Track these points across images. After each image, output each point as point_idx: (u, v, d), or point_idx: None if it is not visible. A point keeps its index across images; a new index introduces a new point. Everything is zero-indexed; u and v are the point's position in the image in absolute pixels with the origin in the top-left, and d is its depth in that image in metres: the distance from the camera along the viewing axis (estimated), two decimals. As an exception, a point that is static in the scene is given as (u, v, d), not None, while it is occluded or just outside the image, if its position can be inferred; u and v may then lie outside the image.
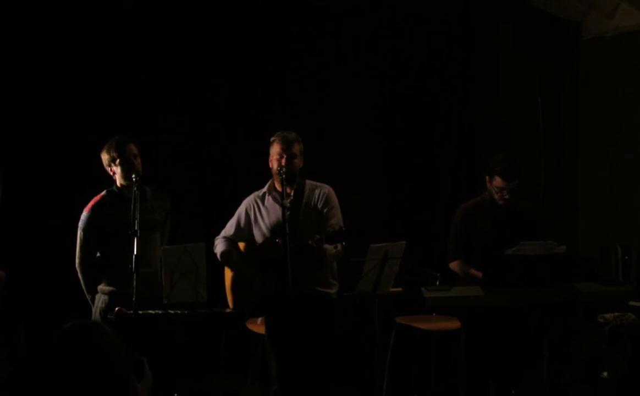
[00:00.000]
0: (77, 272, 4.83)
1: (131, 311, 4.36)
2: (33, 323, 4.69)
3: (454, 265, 5.30)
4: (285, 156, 4.77)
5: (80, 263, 4.82)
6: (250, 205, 4.97)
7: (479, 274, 5.11)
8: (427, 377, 6.17)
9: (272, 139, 4.88)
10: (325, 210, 4.85)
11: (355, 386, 5.87)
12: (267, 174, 4.94)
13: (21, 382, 2.05)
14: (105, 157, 4.81)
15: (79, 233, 4.81)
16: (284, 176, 4.70)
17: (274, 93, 6.27)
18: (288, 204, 4.66)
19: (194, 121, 6.03)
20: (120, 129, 5.28)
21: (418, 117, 6.90)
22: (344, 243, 4.76)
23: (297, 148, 4.84)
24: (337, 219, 4.84)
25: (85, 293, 4.83)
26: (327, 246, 4.68)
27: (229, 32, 6.10)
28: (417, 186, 6.87)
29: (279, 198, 4.73)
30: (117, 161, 4.77)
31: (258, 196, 4.96)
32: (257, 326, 5.44)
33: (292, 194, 4.85)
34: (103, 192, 4.84)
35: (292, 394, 4.82)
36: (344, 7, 6.43)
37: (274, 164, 4.82)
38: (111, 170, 4.81)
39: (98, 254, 4.83)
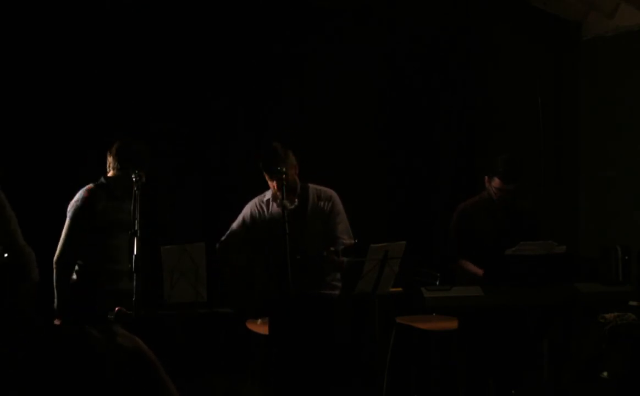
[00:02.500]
0: (56, 268, 4.63)
1: (131, 312, 4.36)
2: (31, 322, 4.68)
3: (452, 266, 5.31)
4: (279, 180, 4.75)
5: (62, 255, 4.62)
6: (255, 209, 4.97)
7: (479, 271, 5.11)
8: (427, 377, 6.17)
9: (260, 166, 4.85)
10: (331, 216, 4.86)
11: (355, 386, 5.87)
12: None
13: (14, 383, 2.06)
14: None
15: (67, 222, 4.64)
16: (282, 176, 4.70)
17: (274, 93, 6.27)
18: (288, 205, 4.66)
19: (193, 121, 6.03)
20: (120, 129, 5.28)
21: (418, 118, 6.91)
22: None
23: (284, 161, 4.78)
24: (344, 224, 4.86)
25: (56, 296, 4.60)
26: (343, 259, 4.69)
27: (229, 32, 6.09)
28: (417, 186, 6.87)
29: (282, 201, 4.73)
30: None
31: (262, 201, 4.97)
32: (257, 326, 5.44)
33: (296, 201, 4.85)
34: (91, 186, 4.75)
35: (293, 394, 4.82)
36: (344, 7, 6.43)
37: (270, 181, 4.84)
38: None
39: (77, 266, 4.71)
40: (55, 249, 4.75)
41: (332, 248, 4.60)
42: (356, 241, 4.74)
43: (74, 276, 4.67)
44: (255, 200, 4.99)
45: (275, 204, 4.89)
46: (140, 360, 2.26)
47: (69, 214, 4.69)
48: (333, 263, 4.66)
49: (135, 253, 4.33)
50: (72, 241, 4.65)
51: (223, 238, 5.04)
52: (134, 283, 4.31)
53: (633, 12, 6.97)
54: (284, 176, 4.70)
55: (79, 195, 4.70)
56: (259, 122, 6.12)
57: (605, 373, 5.45)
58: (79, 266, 4.67)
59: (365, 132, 6.65)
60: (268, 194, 4.96)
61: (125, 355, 2.17)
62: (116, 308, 4.49)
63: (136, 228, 4.38)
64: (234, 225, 5.03)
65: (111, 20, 5.63)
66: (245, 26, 6.13)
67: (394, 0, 6.65)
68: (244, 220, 5.00)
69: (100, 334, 2.12)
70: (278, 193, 4.75)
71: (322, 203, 4.88)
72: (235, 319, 5.20)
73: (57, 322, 4.61)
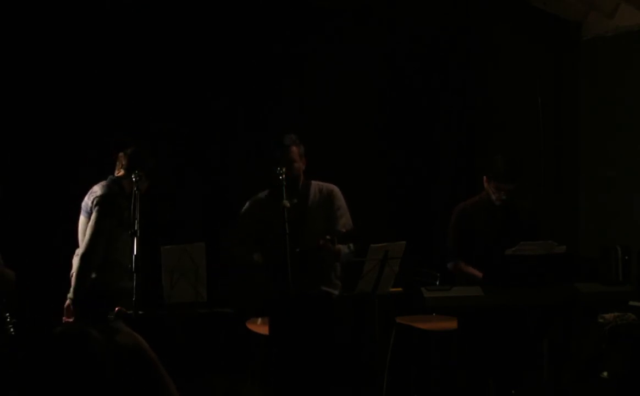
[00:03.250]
0: (85, 262, 4.57)
1: (131, 311, 4.36)
2: (30, 322, 4.67)
3: (452, 267, 5.30)
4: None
5: (90, 250, 4.55)
6: (255, 205, 4.98)
7: (479, 274, 5.11)
8: (427, 377, 6.17)
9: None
10: (333, 210, 4.86)
11: (355, 386, 5.87)
12: (267, 177, 4.95)
13: (13, 383, 2.07)
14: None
15: (96, 216, 4.59)
16: (281, 177, 4.70)
17: (274, 93, 6.27)
18: (287, 205, 4.66)
19: (194, 121, 6.03)
20: (120, 129, 5.29)
21: (418, 118, 6.91)
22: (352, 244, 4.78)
23: (295, 152, 4.83)
24: (346, 219, 4.87)
25: (74, 290, 4.58)
26: (340, 246, 4.69)
27: (229, 32, 6.10)
28: (417, 186, 6.87)
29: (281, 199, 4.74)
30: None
31: (262, 195, 4.98)
32: (257, 326, 5.44)
33: (295, 199, 4.86)
34: (107, 182, 4.77)
35: (293, 394, 4.82)
36: (344, 7, 6.44)
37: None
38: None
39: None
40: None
41: (327, 236, 4.60)
42: (353, 228, 4.74)
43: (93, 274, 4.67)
44: (257, 195, 5.02)
45: (274, 199, 4.89)
46: (140, 357, 2.26)
47: (96, 208, 4.64)
48: (329, 251, 4.66)
49: (135, 253, 4.34)
50: (101, 235, 4.63)
51: (229, 229, 5.04)
52: (134, 282, 4.32)
53: (633, 12, 6.97)
54: (282, 176, 4.70)
55: (103, 190, 4.69)
56: (259, 122, 6.13)
57: (605, 373, 5.45)
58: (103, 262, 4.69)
59: (365, 132, 6.65)
60: (267, 190, 4.97)
61: (125, 353, 2.17)
62: (116, 308, 4.49)
63: (136, 228, 4.39)
64: (238, 217, 5.03)
65: (111, 20, 5.64)
66: (245, 26, 6.14)
67: (394, 0, 6.65)
68: (243, 213, 5.00)
69: (100, 334, 2.13)
70: (279, 187, 4.76)
71: (323, 197, 4.89)
72: (235, 319, 5.20)
73: (65, 319, 4.61)
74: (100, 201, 4.64)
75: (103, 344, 2.14)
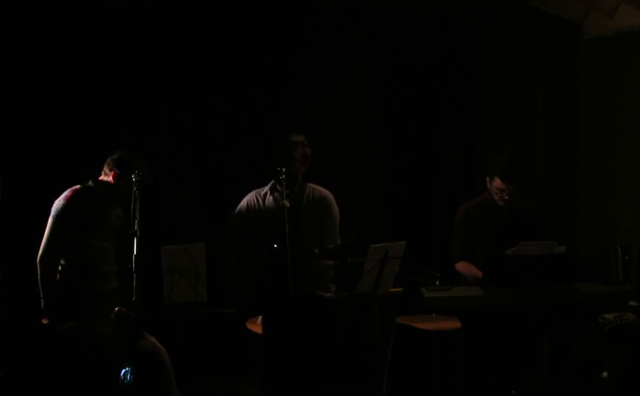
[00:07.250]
0: (41, 267, 4.52)
1: (131, 312, 4.35)
2: (31, 324, 4.67)
3: (459, 266, 5.29)
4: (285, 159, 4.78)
5: (45, 254, 4.53)
6: (251, 201, 4.98)
7: (480, 273, 5.11)
8: (427, 377, 6.17)
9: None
10: (322, 218, 4.87)
11: (355, 386, 5.87)
12: (268, 175, 4.95)
13: (14, 381, 2.07)
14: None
15: (51, 221, 4.57)
16: (281, 177, 4.70)
17: (275, 93, 6.26)
18: (287, 205, 4.65)
19: (194, 121, 6.03)
20: (121, 130, 5.28)
21: (418, 117, 6.91)
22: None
23: (299, 152, 4.83)
24: (334, 231, 4.88)
25: (42, 296, 4.48)
26: (325, 261, 4.71)
27: (229, 32, 6.10)
28: (417, 186, 6.87)
29: (280, 198, 4.73)
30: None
31: (260, 194, 4.98)
32: (257, 326, 5.44)
33: (292, 197, 4.85)
34: (76, 187, 4.75)
35: (292, 394, 4.82)
36: (344, 7, 6.44)
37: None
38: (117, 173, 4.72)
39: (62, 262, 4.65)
40: None
41: (317, 250, 4.63)
42: (340, 243, 4.76)
43: (57, 276, 4.63)
44: (253, 193, 5.01)
45: (272, 197, 4.89)
46: (157, 365, 2.27)
47: (52, 213, 4.66)
48: (317, 263, 4.67)
49: (135, 253, 4.33)
50: (55, 240, 4.58)
51: (224, 228, 5.03)
52: (134, 283, 4.31)
53: (633, 12, 6.98)
54: (282, 176, 4.70)
55: (63, 195, 4.69)
56: (259, 123, 6.12)
57: (605, 373, 5.46)
58: (61, 266, 4.64)
59: (366, 132, 6.65)
60: (266, 187, 4.97)
61: (144, 357, 2.18)
62: (116, 308, 4.48)
63: (136, 228, 4.37)
64: (233, 215, 5.02)
65: (110, 20, 5.63)
66: (246, 26, 6.13)
67: (394, 0, 6.65)
68: (239, 210, 4.99)
69: (115, 334, 2.13)
70: (279, 187, 4.76)
71: (316, 203, 4.89)
72: (235, 319, 5.20)
73: (44, 321, 4.57)
74: (53, 207, 4.65)
75: (113, 343, 2.15)
